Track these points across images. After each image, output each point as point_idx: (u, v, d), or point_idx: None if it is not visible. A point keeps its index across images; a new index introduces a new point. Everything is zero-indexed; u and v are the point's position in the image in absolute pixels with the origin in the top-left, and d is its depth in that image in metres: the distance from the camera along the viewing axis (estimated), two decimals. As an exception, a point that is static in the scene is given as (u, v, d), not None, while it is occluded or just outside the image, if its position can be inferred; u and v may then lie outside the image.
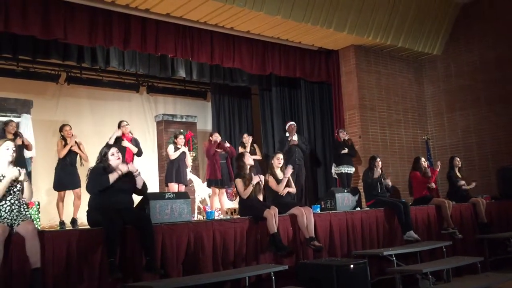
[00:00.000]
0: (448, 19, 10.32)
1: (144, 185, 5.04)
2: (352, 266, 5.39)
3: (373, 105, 9.72)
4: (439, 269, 6.16)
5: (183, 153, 8.21)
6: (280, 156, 6.44)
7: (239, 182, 5.94)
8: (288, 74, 9.44)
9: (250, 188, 5.86)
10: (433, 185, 8.10)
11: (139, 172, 4.99)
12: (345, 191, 7.23)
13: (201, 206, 8.96)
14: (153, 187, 9.66)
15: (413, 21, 9.68)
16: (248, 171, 6.03)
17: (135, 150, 7.61)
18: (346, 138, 8.84)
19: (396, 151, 9.95)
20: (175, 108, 10.97)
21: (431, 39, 10.26)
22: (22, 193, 4.34)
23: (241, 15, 7.72)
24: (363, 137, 9.38)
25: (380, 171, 7.35)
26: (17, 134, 7.03)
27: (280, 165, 6.37)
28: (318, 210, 6.58)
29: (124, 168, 4.88)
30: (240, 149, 8.48)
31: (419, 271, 5.92)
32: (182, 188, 7.93)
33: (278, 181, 6.24)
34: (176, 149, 8.08)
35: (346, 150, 8.65)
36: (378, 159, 7.44)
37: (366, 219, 6.72)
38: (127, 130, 7.65)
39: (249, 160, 6.08)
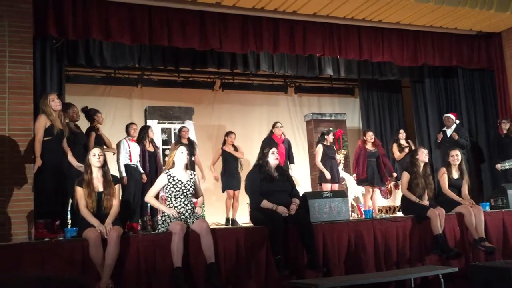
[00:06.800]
0: None
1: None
2: (533, 270, 4.83)
3: (546, 90, 8.62)
4: None
5: (333, 151, 8.19)
6: (455, 152, 6.04)
7: (405, 175, 5.71)
8: (443, 63, 8.82)
9: (412, 197, 5.59)
10: None
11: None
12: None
13: (355, 204, 8.83)
14: (305, 186, 9.78)
15: None
16: (421, 168, 5.74)
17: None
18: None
19: None
20: (320, 107, 10.99)
21: None
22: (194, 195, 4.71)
23: (390, 6, 7.42)
24: (535, 127, 8.36)
25: None
26: (192, 143, 7.71)
27: (458, 162, 5.99)
28: (488, 208, 6.05)
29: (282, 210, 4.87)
30: (394, 146, 8.21)
31: None
32: (336, 187, 7.90)
33: (452, 180, 5.87)
34: (325, 146, 8.06)
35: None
36: None
37: (547, 218, 5.99)
38: (280, 132, 7.86)
39: (422, 156, 5.80)
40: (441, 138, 8.25)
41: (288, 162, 7.96)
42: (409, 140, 8.66)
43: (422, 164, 5.74)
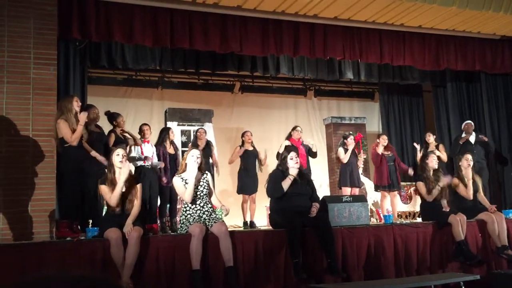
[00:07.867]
0: None
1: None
2: (558, 280, 4.73)
3: None
4: None
5: (354, 155, 8.14)
6: (469, 157, 5.95)
7: (421, 185, 5.64)
8: (466, 68, 8.70)
9: (436, 192, 5.51)
10: None
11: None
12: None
13: (374, 209, 8.75)
14: (324, 190, 9.73)
15: None
16: (431, 173, 5.67)
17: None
18: None
19: None
20: (339, 110, 10.94)
21: None
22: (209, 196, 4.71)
23: (412, 10, 7.34)
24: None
25: None
26: (209, 144, 7.71)
27: (471, 166, 5.89)
28: (511, 216, 5.93)
29: (294, 172, 4.95)
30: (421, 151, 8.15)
31: None
32: (356, 191, 7.85)
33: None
34: (345, 150, 8.02)
35: None
36: None
37: None
38: (299, 136, 7.84)
39: (433, 162, 5.73)
40: (464, 141, 8.12)
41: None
42: (441, 145, 8.48)
43: (432, 170, 5.66)
